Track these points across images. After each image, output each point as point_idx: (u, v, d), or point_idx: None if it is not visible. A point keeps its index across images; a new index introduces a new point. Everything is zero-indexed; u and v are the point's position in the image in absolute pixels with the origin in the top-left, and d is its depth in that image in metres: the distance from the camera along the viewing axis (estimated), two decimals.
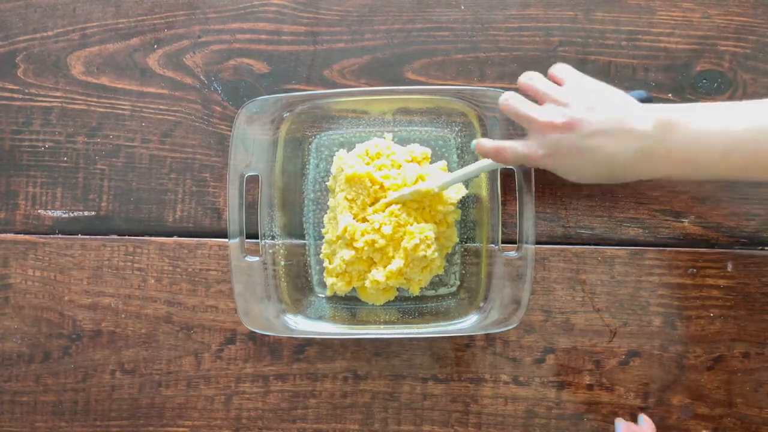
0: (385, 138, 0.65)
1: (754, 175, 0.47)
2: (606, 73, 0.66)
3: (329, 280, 0.65)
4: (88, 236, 0.68)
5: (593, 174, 0.51)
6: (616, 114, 0.48)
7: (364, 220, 0.63)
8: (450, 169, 0.65)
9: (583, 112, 0.48)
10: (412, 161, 0.64)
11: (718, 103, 0.48)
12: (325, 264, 0.65)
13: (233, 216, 0.62)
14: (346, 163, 0.63)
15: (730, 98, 0.65)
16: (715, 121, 0.46)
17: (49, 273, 0.68)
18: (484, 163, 0.58)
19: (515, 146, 0.53)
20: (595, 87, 0.51)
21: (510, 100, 0.52)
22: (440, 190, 0.61)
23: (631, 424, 0.61)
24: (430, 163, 0.65)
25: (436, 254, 0.62)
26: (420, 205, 0.62)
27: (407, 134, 0.66)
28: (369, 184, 0.62)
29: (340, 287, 0.64)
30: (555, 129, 0.49)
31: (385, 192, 0.62)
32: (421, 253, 0.61)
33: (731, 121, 0.46)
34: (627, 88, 0.58)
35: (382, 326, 0.64)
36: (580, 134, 0.48)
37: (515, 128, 0.61)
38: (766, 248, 0.65)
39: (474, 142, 0.57)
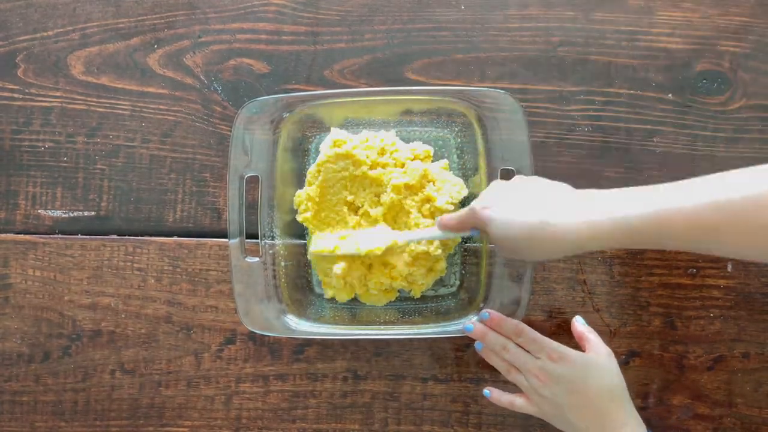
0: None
1: (682, 246, 0.49)
2: (606, 73, 0.66)
3: (328, 292, 0.65)
4: (88, 236, 0.68)
5: (540, 257, 0.55)
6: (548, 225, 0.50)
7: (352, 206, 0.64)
8: (451, 168, 0.65)
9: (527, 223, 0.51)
10: (414, 159, 0.64)
11: (627, 190, 0.50)
12: (320, 276, 0.65)
13: (233, 216, 0.62)
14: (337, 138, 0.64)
15: (731, 98, 0.65)
16: (619, 211, 0.48)
17: (49, 273, 0.68)
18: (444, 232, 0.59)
19: (465, 209, 0.56)
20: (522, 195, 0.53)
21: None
22: (406, 243, 0.62)
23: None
24: (432, 161, 0.65)
25: (439, 251, 0.63)
26: (417, 201, 0.63)
27: (407, 134, 0.66)
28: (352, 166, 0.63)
29: (342, 296, 0.64)
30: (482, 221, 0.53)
31: (370, 179, 0.64)
32: (422, 247, 0.62)
33: (630, 210, 0.48)
34: None
35: (382, 326, 0.64)
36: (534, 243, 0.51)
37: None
38: None
39: (437, 219, 0.59)
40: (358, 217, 0.65)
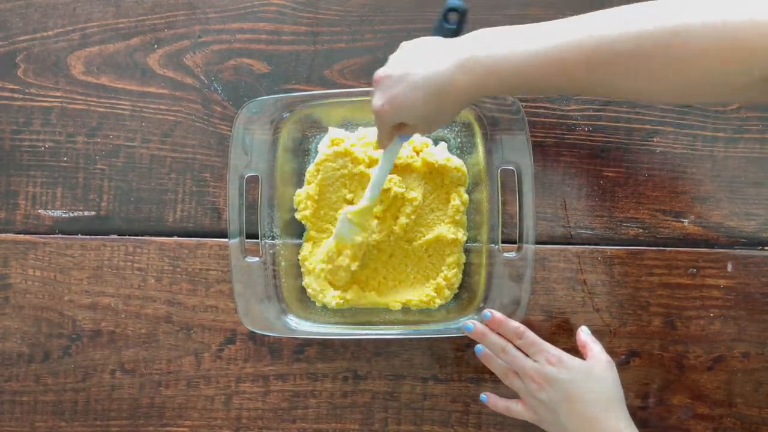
0: None
1: (549, 87, 0.52)
2: None
3: (333, 301, 0.65)
4: (88, 236, 0.68)
5: (430, 113, 0.53)
6: (424, 67, 0.51)
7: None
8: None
9: (400, 70, 0.52)
10: (413, 150, 0.64)
11: (513, 27, 0.51)
12: (316, 288, 0.65)
13: (233, 216, 0.62)
14: (335, 137, 0.64)
15: None
16: (504, 47, 0.50)
17: (49, 273, 0.68)
18: (390, 153, 0.59)
19: (377, 120, 0.55)
20: (408, 46, 0.54)
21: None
22: (372, 201, 0.61)
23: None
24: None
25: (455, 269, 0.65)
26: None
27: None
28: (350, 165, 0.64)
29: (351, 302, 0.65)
30: (380, 89, 0.53)
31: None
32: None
33: (518, 45, 0.49)
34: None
35: (382, 326, 0.64)
36: (405, 87, 0.52)
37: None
38: (766, 248, 0.65)
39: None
40: None
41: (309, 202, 0.64)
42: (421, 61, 0.52)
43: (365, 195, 0.61)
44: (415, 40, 0.54)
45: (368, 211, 0.61)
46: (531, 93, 0.53)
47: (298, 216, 0.65)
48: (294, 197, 0.65)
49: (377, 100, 0.53)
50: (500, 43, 0.50)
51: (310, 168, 0.65)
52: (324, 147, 0.64)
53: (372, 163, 0.64)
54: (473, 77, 0.50)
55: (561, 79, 0.48)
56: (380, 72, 0.53)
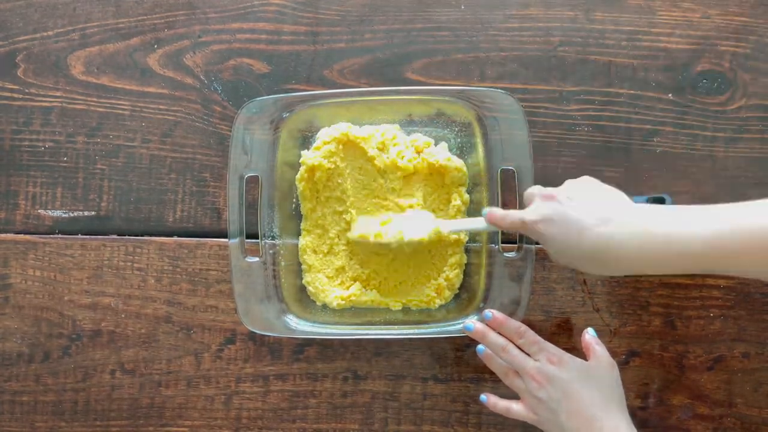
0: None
1: (721, 272, 0.50)
2: (606, 73, 0.66)
3: (335, 301, 0.65)
4: (88, 236, 0.68)
5: (577, 256, 0.51)
6: (608, 211, 0.50)
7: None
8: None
9: (575, 212, 0.50)
10: (415, 150, 0.64)
11: (692, 209, 0.49)
12: (317, 286, 0.65)
13: (233, 216, 0.62)
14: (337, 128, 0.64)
15: (731, 98, 0.65)
16: (680, 227, 0.48)
17: (49, 273, 0.68)
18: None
19: (518, 213, 0.54)
20: (592, 197, 0.52)
21: (528, 189, 0.55)
22: (449, 233, 0.62)
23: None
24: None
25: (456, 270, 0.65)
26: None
27: (407, 134, 0.66)
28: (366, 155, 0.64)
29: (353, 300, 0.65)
30: (553, 200, 0.51)
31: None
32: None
33: (695, 228, 0.48)
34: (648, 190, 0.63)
35: (382, 326, 0.64)
36: (569, 235, 0.50)
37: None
38: None
39: (486, 210, 0.56)
40: (353, 212, 0.65)
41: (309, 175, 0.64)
42: (601, 219, 0.49)
43: (443, 224, 0.60)
44: (603, 190, 0.52)
45: (414, 243, 0.61)
46: (700, 272, 0.51)
47: (299, 184, 0.64)
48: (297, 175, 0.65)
49: (534, 215, 0.51)
50: (683, 219, 0.48)
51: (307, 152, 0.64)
52: (325, 135, 0.64)
53: (381, 170, 0.64)
54: (646, 252, 0.48)
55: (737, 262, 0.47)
56: (555, 191, 0.52)
